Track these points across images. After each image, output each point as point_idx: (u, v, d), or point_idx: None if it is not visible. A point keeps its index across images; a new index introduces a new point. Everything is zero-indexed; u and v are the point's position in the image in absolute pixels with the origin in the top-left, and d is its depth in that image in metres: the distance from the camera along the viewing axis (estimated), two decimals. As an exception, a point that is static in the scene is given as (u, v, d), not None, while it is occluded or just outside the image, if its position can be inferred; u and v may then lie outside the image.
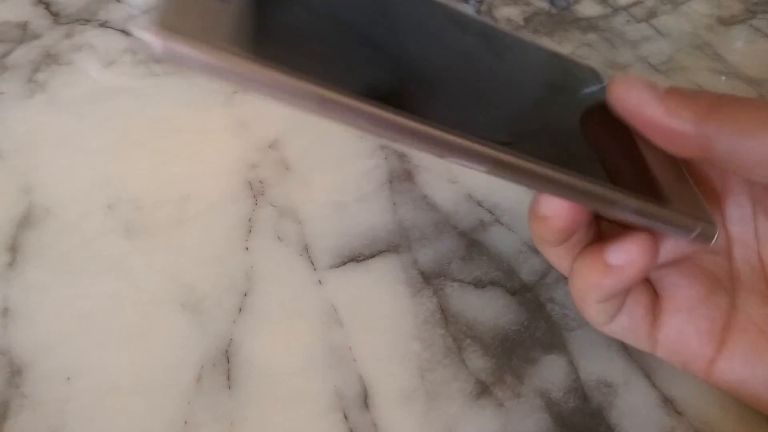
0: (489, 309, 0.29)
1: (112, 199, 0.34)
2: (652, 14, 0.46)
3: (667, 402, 0.26)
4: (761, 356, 0.21)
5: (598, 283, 0.20)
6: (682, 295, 0.22)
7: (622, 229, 0.21)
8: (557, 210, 0.19)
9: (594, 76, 0.24)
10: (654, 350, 0.23)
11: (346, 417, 0.25)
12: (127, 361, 0.27)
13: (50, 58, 0.42)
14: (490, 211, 0.33)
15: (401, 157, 0.35)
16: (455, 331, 0.28)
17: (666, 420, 0.25)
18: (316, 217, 0.32)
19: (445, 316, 0.28)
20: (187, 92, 0.40)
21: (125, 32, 0.45)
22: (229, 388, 0.26)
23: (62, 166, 0.36)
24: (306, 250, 0.31)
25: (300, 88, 0.16)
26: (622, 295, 0.22)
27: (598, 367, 0.27)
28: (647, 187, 0.20)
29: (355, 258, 0.31)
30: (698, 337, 0.21)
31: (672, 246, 0.22)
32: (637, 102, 0.20)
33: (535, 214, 0.20)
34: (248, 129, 0.37)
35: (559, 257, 0.22)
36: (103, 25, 0.45)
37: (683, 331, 0.22)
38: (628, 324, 0.23)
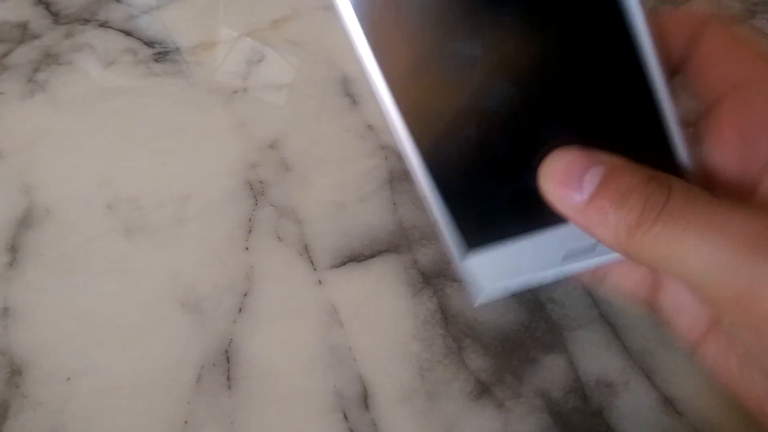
0: (489, 309, 0.29)
1: (112, 199, 0.34)
2: (652, 14, 0.46)
3: (667, 402, 0.26)
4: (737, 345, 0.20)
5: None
6: None
7: None
8: None
9: None
10: (653, 309, 0.22)
11: (346, 417, 0.25)
12: (127, 361, 0.27)
13: (50, 58, 0.42)
14: (490, 211, 0.33)
15: (401, 157, 0.35)
16: (455, 331, 0.28)
17: (666, 420, 0.25)
18: (316, 217, 0.32)
19: (445, 316, 0.28)
20: (187, 92, 0.40)
21: (125, 32, 0.45)
22: (229, 388, 0.26)
23: (62, 166, 0.36)
24: (306, 250, 0.31)
25: None
26: None
27: (598, 367, 0.27)
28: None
29: (355, 258, 0.31)
30: (697, 308, 0.21)
31: None
32: (560, 199, 0.18)
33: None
34: (248, 129, 0.37)
35: None
36: (103, 25, 0.45)
37: (683, 298, 0.21)
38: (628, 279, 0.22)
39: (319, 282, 0.30)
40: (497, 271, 0.22)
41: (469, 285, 0.22)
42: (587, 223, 0.17)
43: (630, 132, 0.18)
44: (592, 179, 0.17)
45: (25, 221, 0.33)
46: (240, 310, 0.29)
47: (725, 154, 0.18)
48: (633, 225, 0.16)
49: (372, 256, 0.31)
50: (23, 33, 0.44)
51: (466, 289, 0.22)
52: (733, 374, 0.20)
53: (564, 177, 0.17)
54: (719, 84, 0.18)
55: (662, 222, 0.16)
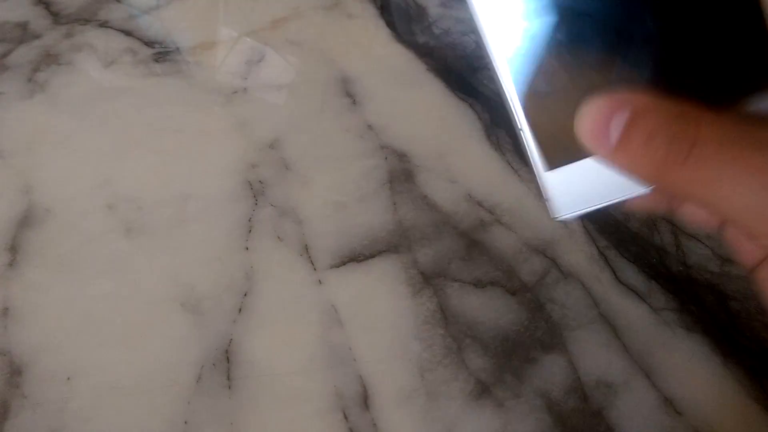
0: (489, 309, 0.29)
1: (112, 199, 0.34)
2: (652, 14, 0.46)
3: (667, 402, 0.26)
4: None
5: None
6: None
7: None
8: None
9: None
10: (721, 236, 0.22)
11: (346, 417, 0.25)
12: (127, 361, 0.27)
13: (50, 58, 0.42)
14: (490, 211, 0.33)
15: (401, 157, 0.35)
16: (455, 331, 0.28)
17: (666, 420, 0.25)
18: (316, 217, 0.32)
19: (445, 316, 0.28)
20: (187, 92, 0.40)
21: (125, 32, 0.45)
22: (229, 388, 0.26)
23: (62, 166, 0.36)
24: (306, 250, 0.31)
25: None
26: None
27: (598, 367, 0.27)
28: None
29: (355, 258, 0.31)
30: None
31: None
32: (594, 147, 0.18)
33: None
34: (248, 129, 0.37)
35: None
36: (103, 25, 0.45)
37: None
38: None
39: (319, 282, 0.30)
40: (577, 188, 0.23)
41: (548, 201, 0.22)
42: (620, 167, 0.17)
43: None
44: (618, 124, 0.17)
45: (25, 221, 0.33)
46: (240, 310, 0.29)
47: None
48: (661, 165, 0.16)
49: (372, 256, 0.31)
50: (23, 33, 0.44)
51: (546, 204, 0.22)
52: None
53: (593, 125, 0.18)
54: None
55: (692, 162, 0.15)
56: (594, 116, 0.18)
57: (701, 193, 0.16)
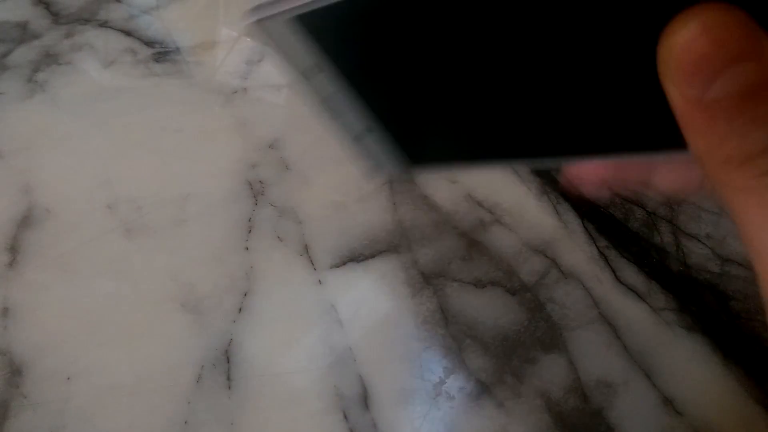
0: (489, 309, 0.29)
1: (112, 199, 0.34)
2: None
3: (667, 402, 0.26)
4: None
5: None
6: None
7: None
8: None
9: None
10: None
11: (346, 417, 0.25)
12: (127, 361, 0.27)
13: (50, 58, 0.42)
14: (490, 211, 0.33)
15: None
16: (455, 331, 0.28)
17: (666, 420, 0.25)
18: (316, 217, 0.32)
19: (445, 316, 0.28)
20: (187, 92, 0.40)
21: (125, 32, 0.45)
22: (229, 388, 0.26)
23: (62, 166, 0.36)
24: (306, 250, 0.31)
25: None
26: None
27: (598, 367, 0.27)
28: None
29: (355, 258, 0.31)
30: None
31: None
32: (674, 80, 0.13)
33: None
34: (248, 129, 0.37)
35: None
36: (103, 25, 0.45)
37: None
38: None
39: (319, 282, 0.30)
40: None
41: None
42: (685, 123, 0.13)
43: None
44: (730, 80, 0.12)
45: (25, 221, 0.33)
46: (240, 310, 0.29)
47: None
48: (736, 162, 0.12)
49: (372, 256, 0.31)
50: (23, 33, 0.44)
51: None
52: None
53: (696, 57, 0.12)
54: None
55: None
56: (709, 36, 0.12)
57: (747, 212, 0.12)
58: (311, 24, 0.20)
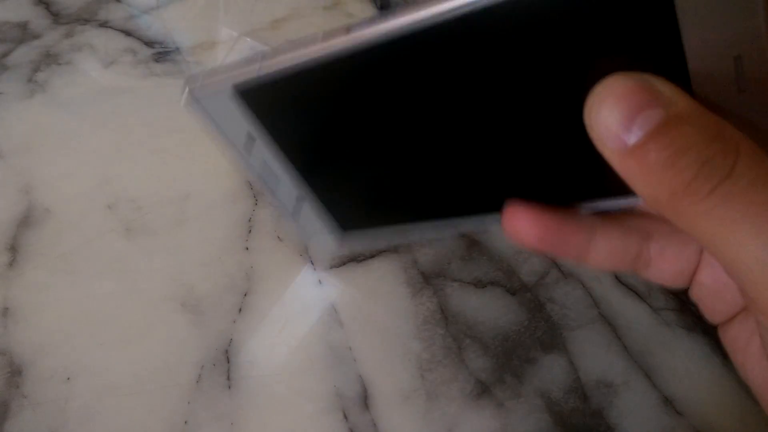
0: (489, 309, 0.29)
1: (112, 199, 0.34)
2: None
3: (667, 402, 0.26)
4: None
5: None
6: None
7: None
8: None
9: None
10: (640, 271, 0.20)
11: (346, 417, 0.25)
12: (127, 361, 0.27)
13: (50, 58, 0.42)
14: (490, 211, 0.33)
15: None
16: (455, 331, 0.28)
17: (666, 420, 0.25)
18: (316, 217, 0.32)
19: (445, 316, 0.28)
20: (187, 92, 0.40)
21: (125, 32, 0.45)
22: (229, 388, 0.26)
23: (62, 166, 0.36)
24: (306, 250, 0.31)
25: None
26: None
27: (598, 367, 0.27)
28: None
29: (355, 258, 0.31)
30: (731, 294, 0.19)
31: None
32: (602, 135, 0.15)
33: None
34: (248, 129, 0.37)
35: None
36: (103, 25, 0.45)
37: (717, 285, 0.19)
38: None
39: (319, 282, 0.30)
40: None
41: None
42: (626, 173, 0.14)
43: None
44: (644, 122, 0.14)
45: (25, 221, 0.33)
46: (240, 310, 0.29)
47: None
48: (679, 191, 0.13)
49: (372, 256, 0.31)
50: (23, 33, 0.44)
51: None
52: (753, 359, 0.18)
53: (613, 110, 0.14)
54: None
55: (717, 199, 0.13)
56: (619, 99, 0.14)
57: (710, 233, 0.13)
58: (247, 95, 0.20)
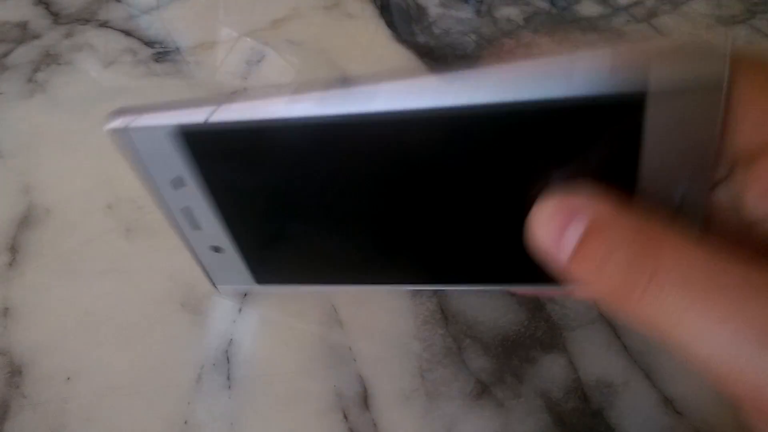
0: (489, 309, 0.29)
1: (112, 199, 0.34)
2: (652, 14, 0.46)
3: (667, 402, 0.26)
4: None
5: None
6: None
7: None
8: None
9: None
10: None
11: (346, 417, 0.25)
12: (127, 361, 0.27)
13: (50, 58, 0.42)
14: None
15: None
16: (455, 331, 0.28)
17: (666, 420, 0.25)
18: (316, 217, 0.32)
19: (445, 316, 0.28)
20: (187, 92, 0.40)
21: (125, 32, 0.45)
22: (229, 388, 0.26)
23: (62, 166, 0.36)
24: (306, 250, 0.31)
25: None
26: None
27: (598, 367, 0.27)
28: None
29: (355, 258, 0.31)
30: None
31: None
32: (546, 258, 0.16)
33: None
34: (248, 129, 0.37)
35: None
36: (103, 25, 0.45)
37: None
38: None
39: (319, 282, 0.30)
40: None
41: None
42: (575, 283, 0.15)
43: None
44: (572, 236, 0.15)
45: (25, 221, 0.33)
46: (240, 310, 0.29)
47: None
48: (614, 296, 0.14)
49: (372, 256, 0.31)
50: (23, 33, 0.44)
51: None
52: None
53: (545, 232, 0.15)
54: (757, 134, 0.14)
55: (650, 297, 0.13)
56: (547, 221, 0.15)
57: (660, 331, 0.13)
58: (189, 138, 0.19)
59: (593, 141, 0.16)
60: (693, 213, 0.16)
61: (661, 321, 0.13)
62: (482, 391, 0.26)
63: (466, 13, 0.46)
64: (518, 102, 0.15)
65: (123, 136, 0.20)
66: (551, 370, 0.27)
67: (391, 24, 0.45)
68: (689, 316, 0.12)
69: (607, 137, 0.16)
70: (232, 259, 0.25)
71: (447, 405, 0.26)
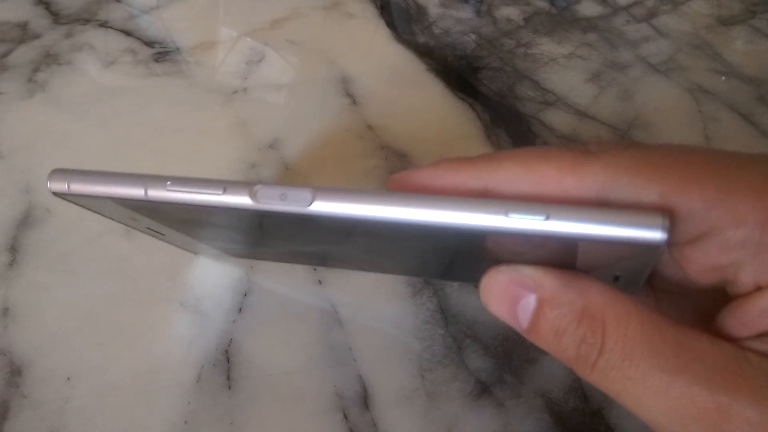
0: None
1: (112, 199, 0.34)
2: (652, 14, 0.46)
3: (667, 402, 0.26)
4: None
5: None
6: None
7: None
8: None
9: None
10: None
11: (346, 417, 0.25)
12: (127, 361, 0.27)
13: (50, 58, 0.42)
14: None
15: (401, 157, 0.35)
16: (455, 331, 0.28)
17: (666, 420, 0.25)
18: (316, 217, 0.32)
19: (445, 316, 0.28)
20: (187, 92, 0.40)
21: (125, 32, 0.45)
22: (229, 388, 0.26)
23: (62, 166, 0.36)
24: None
25: None
26: None
27: (598, 367, 0.27)
28: None
29: (355, 258, 0.31)
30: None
31: None
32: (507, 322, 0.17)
33: None
34: (248, 129, 0.37)
35: None
36: (103, 25, 0.45)
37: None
38: None
39: (319, 282, 0.30)
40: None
41: None
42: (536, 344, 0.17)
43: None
44: (524, 311, 0.16)
45: (25, 221, 0.33)
46: (240, 310, 0.29)
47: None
48: (573, 366, 0.16)
49: (372, 256, 0.31)
50: (23, 33, 0.44)
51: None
52: None
53: (500, 305, 0.17)
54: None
55: (598, 372, 0.15)
56: (499, 296, 0.17)
57: (612, 396, 0.15)
58: (128, 205, 0.20)
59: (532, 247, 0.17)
60: (631, 285, 0.17)
61: (611, 389, 0.15)
62: (482, 391, 0.26)
63: (466, 13, 0.46)
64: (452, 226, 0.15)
65: (60, 192, 0.21)
66: (551, 370, 0.27)
67: (391, 24, 0.45)
68: (632, 387, 0.14)
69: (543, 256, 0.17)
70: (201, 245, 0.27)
71: (447, 405, 0.26)
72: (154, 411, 0.26)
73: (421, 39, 0.43)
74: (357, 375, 0.27)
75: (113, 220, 0.23)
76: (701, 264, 0.15)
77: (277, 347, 0.28)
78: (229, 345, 0.28)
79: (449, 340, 0.27)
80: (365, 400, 0.26)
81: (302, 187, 0.16)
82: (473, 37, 0.44)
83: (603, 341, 0.15)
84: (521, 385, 0.26)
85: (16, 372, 0.27)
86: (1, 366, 0.27)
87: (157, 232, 0.24)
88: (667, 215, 0.14)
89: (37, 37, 0.44)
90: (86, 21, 0.45)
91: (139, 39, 0.44)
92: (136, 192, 0.19)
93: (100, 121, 0.38)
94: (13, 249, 0.32)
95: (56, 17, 0.46)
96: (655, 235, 0.14)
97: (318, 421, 0.25)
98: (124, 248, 0.31)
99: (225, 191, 0.18)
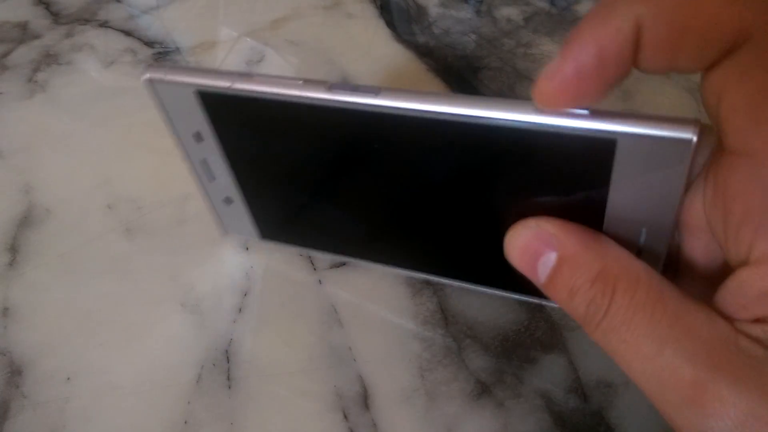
0: (489, 309, 0.29)
1: (112, 199, 0.34)
2: (652, 14, 0.46)
3: (667, 402, 0.26)
4: None
5: None
6: None
7: None
8: None
9: None
10: None
11: (346, 417, 0.25)
12: (127, 361, 0.27)
13: (50, 58, 0.42)
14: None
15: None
16: (455, 331, 0.28)
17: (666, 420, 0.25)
18: (316, 217, 0.32)
19: (445, 316, 0.28)
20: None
21: (125, 32, 0.45)
22: (229, 388, 0.26)
23: (62, 166, 0.36)
24: (306, 251, 0.31)
25: None
26: None
27: (598, 367, 0.27)
28: None
29: (355, 258, 0.31)
30: None
31: None
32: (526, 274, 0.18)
33: None
34: (248, 129, 0.37)
35: None
36: (103, 25, 0.45)
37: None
38: None
39: (319, 282, 0.30)
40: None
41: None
42: (549, 297, 0.18)
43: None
44: (544, 267, 0.17)
45: (25, 221, 0.33)
46: (240, 310, 0.29)
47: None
48: (581, 322, 0.17)
49: (372, 256, 0.31)
50: (23, 33, 0.45)
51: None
52: None
53: (522, 258, 0.18)
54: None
55: (601, 332, 0.16)
56: (523, 250, 0.18)
57: (609, 353, 0.16)
58: (210, 100, 0.21)
59: (568, 173, 0.18)
60: (654, 255, 0.18)
61: (607, 349, 0.16)
62: (482, 391, 0.26)
63: (466, 13, 0.46)
64: (510, 121, 0.17)
65: (153, 87, 0.22)
66: (551, 370, 0.27)
67: (391, 24, 0.45)
68: (624, 350, 0.15)
69: (579, 172, 0.17)
70: (240, 212, 0.27)
71: (447, 405, 0.26)
72: (154, 411, 0.26)
73: (421, 39, 0.43)
74: (357, 375, 0.27)
75: (179, 139, 0.24)
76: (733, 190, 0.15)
77: (277, 347, 0.28)
78: (229, 345, 0.28)
79: (449, 340, 0.28)
80: (365, 400, 0.26)
81: (369, 85, 0.19)
82: (473, 37, 0.44)
83: (609, 304, 0.16)
84: (521, 385, 0.26)
85: (16, 372, 0.27)
86: (1, 366, 0.27)
87: (210, 170, 0.25)
88: (698, 122, 0.15)
89: (37, 37, 0.44)
90: (86, 21, 0.46)
91: (139, 39, 0.44)
92: (222, 83, 0.20)
93: (100, 121, 0.38)
94: (13, 249, 0.32)
95: (56, 17, 0.46)
96: (686, 134, 0.15)
97: (318, 421, 0.25)
98: (124, 248, 0.31)
99: (304, 83, 0.19)
